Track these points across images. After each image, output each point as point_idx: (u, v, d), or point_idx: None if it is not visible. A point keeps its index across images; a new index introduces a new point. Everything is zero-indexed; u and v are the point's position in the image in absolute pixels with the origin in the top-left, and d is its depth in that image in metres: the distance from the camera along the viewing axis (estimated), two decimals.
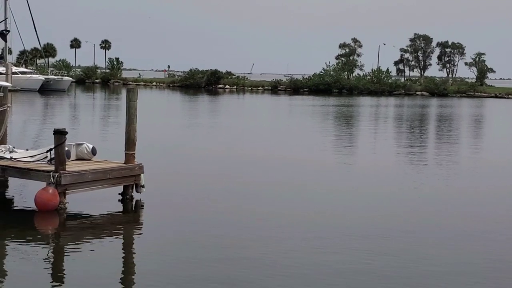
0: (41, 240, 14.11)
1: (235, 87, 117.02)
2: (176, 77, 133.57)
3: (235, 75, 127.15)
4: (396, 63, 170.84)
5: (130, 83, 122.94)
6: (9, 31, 20.43)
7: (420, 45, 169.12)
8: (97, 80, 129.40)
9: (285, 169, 24.32)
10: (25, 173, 16.58)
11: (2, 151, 17.88)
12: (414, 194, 20.33)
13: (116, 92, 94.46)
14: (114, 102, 68.65)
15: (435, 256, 13.31)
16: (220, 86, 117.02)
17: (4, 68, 33.17)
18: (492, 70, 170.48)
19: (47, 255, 13.22)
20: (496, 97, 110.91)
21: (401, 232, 15.33)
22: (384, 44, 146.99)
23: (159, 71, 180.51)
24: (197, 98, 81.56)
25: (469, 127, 49.68)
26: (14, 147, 18.40)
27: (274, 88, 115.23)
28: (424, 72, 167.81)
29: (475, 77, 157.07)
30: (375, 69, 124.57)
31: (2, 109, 17.87)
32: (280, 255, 13.08)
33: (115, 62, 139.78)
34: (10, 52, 61.81)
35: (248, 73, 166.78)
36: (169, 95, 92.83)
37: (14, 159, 17.31)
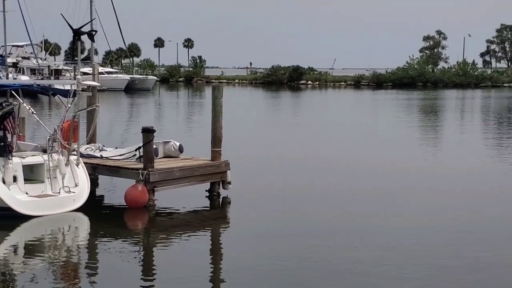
0: (131, 237, 14.36)
1: (317, 82, 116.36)
2: (258, 74, 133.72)
3: (317, 71, 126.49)
4: (482, 55, 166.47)
5: (213, 81, 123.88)
6: (96, 31, 20.76)
7: (507, 36, 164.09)
8: (180, 79, 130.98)
9: (372, 172, 23.53)
10: (114, 171, 16.92)
11: (92, 149, 18.29)
12: None
13: (199, 90, 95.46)
14: (198, 100, 69.40)
15: None
16: (302, 82, 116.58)
17: (90, 69, 33.88)
18: None
19: (137, 251, 13.47)
20: None
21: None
22: (470, 36, 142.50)
23: (241, 68, 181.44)
24: (280, 95, 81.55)
25: None
26: (103, 146, 18.78)
27: (357, 83, 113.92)
28: (511, 63, 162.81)
29: None
30: (461, 62, 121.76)
31: (91, 108, 18.22)
32: (370, 262, 12.69)
33: (198, 61, 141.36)
34: (96, 53, 63.17)
35: (330, 69, 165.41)
36: (251, 92, 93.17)
37: (104, 157, 17.70)
